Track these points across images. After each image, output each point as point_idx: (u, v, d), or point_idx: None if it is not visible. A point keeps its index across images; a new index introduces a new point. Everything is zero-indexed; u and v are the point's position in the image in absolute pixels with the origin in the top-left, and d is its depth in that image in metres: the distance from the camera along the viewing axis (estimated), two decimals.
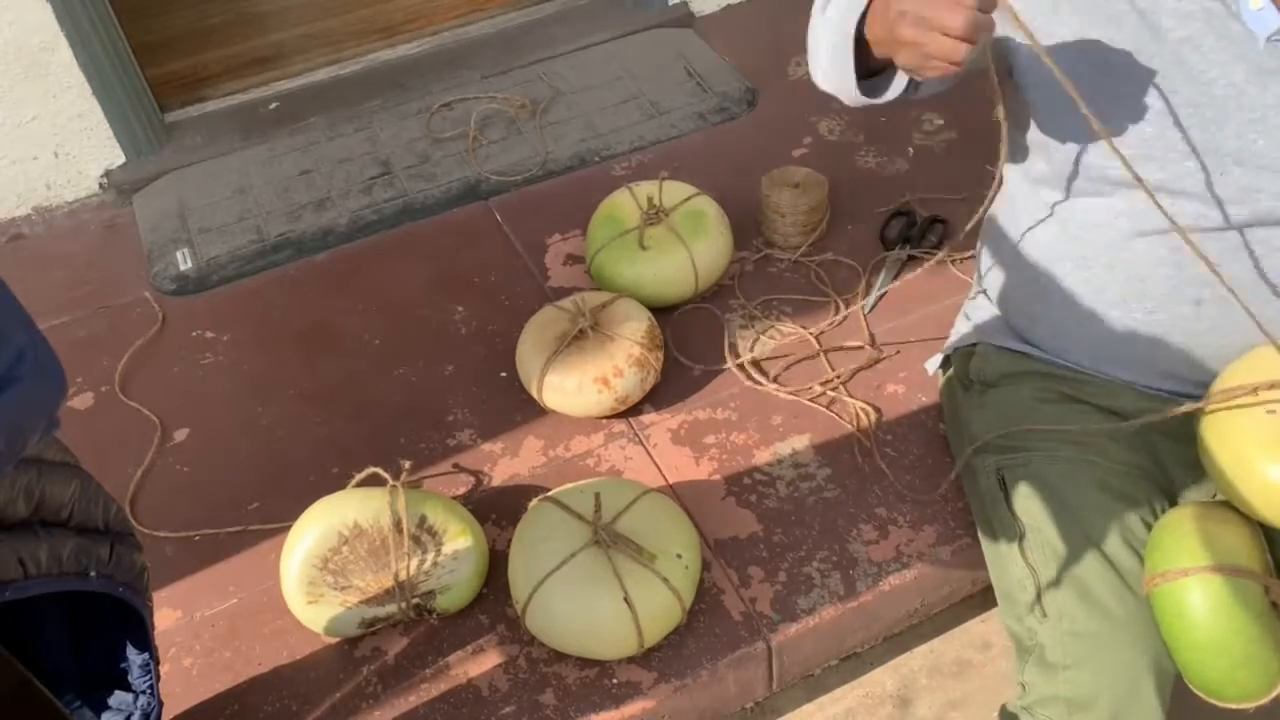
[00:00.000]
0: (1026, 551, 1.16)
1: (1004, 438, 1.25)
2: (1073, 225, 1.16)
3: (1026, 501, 1.18)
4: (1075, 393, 1.23)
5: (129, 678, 1.05)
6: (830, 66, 1.12)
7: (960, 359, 1.40)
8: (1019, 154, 1.20)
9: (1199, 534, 1.05)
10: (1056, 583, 1.12)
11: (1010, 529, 1.19)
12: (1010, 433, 1.24)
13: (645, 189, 1.76)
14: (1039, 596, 1.12)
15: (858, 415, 1.56)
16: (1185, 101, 1.02)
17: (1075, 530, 1.12)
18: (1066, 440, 1.18)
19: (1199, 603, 1.02)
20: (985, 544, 1.27)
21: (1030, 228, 1.22)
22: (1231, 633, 1.01)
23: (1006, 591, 1.20)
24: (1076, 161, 1.11)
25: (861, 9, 1.01)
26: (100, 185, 2.18)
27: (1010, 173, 1.25)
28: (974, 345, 1.36)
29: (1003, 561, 1.21)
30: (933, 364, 1.50)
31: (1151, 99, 1.03)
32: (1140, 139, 1.04)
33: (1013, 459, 1.22)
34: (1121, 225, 1.11)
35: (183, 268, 1.97)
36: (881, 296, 1.75)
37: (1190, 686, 1.07)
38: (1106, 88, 1.04)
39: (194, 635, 1.39)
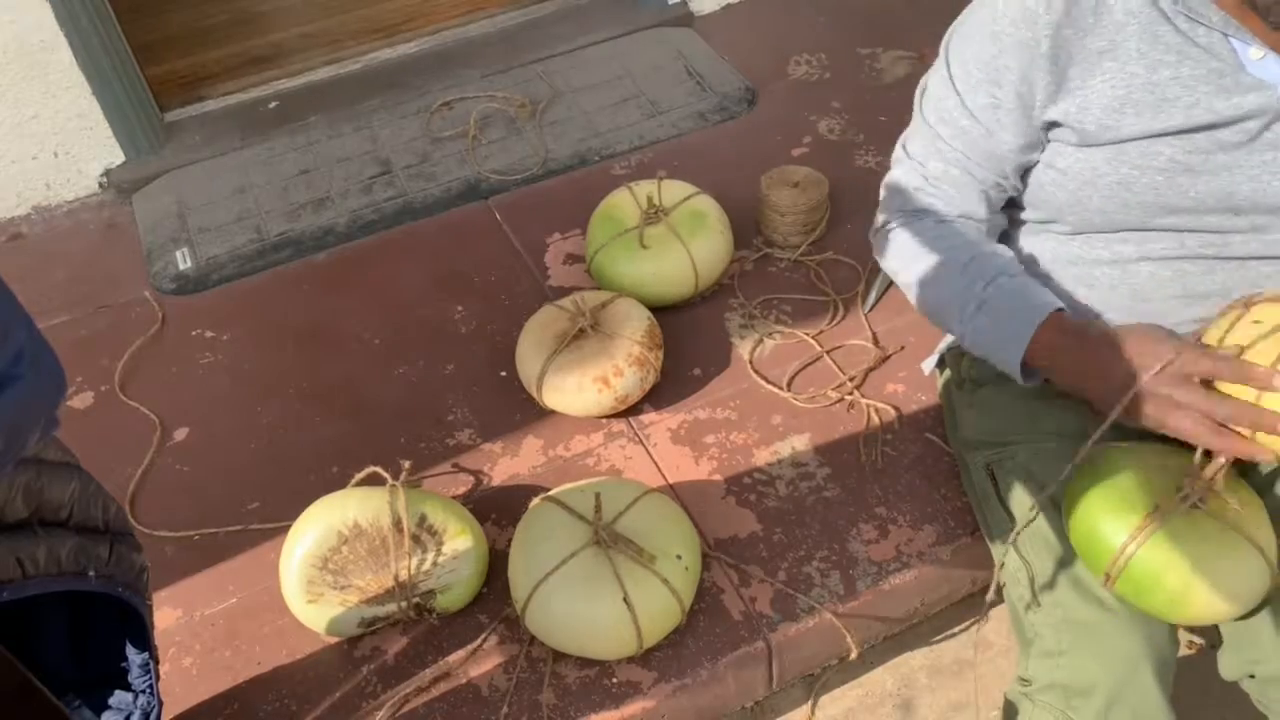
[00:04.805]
0: (1019, 543, 1.17)
1: (992, 433, 1.26)
2: (1075, 246, 1.16)
3: (1016, 494, 1.19)
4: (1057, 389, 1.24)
5: (129, 677, 1.05)
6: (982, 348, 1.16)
7: (953, 359, 1.41)
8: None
9: (1106, 517, 1.05)
10: (1049, 572, 1.13)
11: (1003, 522, 1.21)
12: (998, 428, 1.25)
13: (645, 188, 1.76)
14: (1033, 587, 1.13)
15: (869, 415, 1.56)
16: (1199, 149, 1.01)
17: (1062, 521, 1.13)
18: (1052, 432, 1.19)
19: (1154, 567, 1.01)
20: (986, 539, 1.28)
21: (1031, 245, 1.22)
22: (1202, 563, 1.01)
23: (1006, 584, 1.20)
24: (1092, 212, 1.11)
25: (1025, 343, 1.07)
26: (100, 185, 2.18)
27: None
28: None
29: (999, 555, 1.22)
30: (928, 364, 1.50)
31: (1167, 151, 1.02)
32: (1153, 188, 1.04)
33: (1000, 453, 1.24)
34: (1127, 250, 1.11)
35: (182, 267, 1.97)
36: (881, 295, 1.75)
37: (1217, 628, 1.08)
38: (1118, 151, 1.04)
39: (194, 635, 1.39)
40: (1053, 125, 1.08)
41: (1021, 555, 1.16)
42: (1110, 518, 1.04)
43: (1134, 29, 1.00)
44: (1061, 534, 1.13)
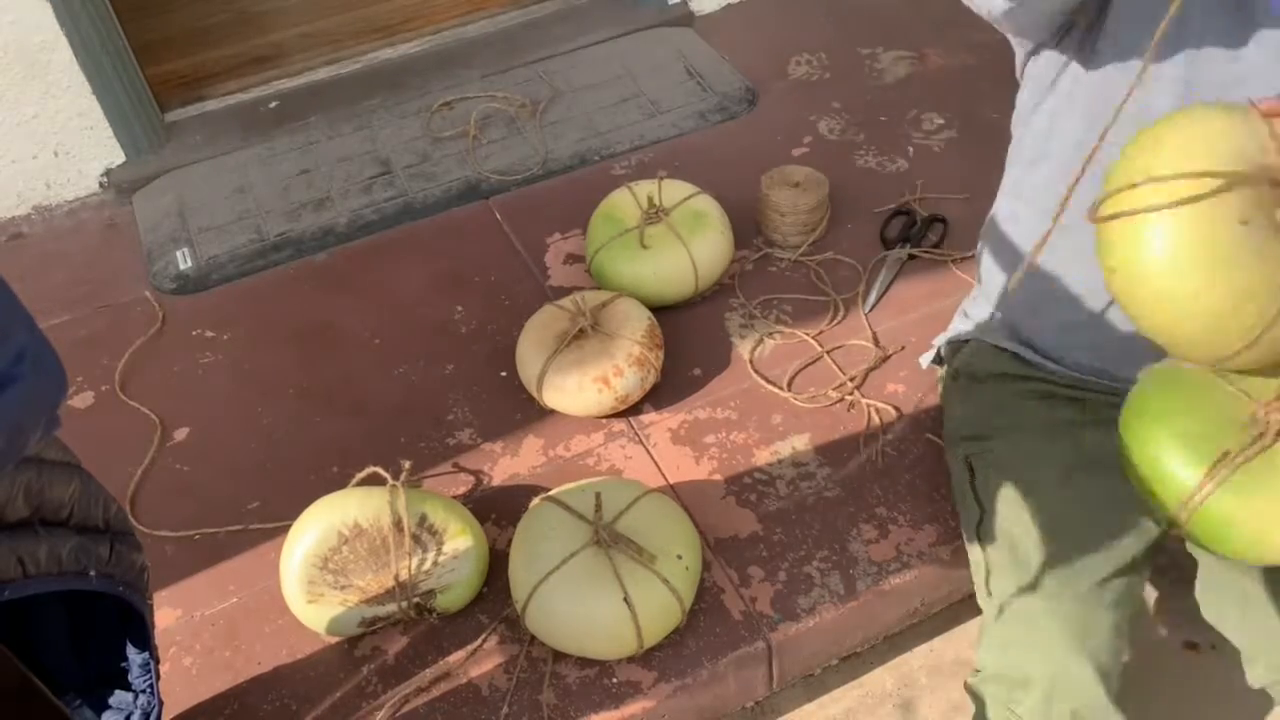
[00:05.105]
0: (983, 535, 1.18)
1: (975, 426, 1.27)
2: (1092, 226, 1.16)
3: (988, 487, 1.21)
4: (1059, 393, 1.24)
5: (129, 677, 1.05)
6: None
7: (950, 352, 1.41)
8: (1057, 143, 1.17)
9: (1176, 456, 0.92)
10: (1001, 565, 1.14)
11: (973, 514, 1.22)
12: (982, 421, 1.25)
13: (645, 188, 1.76)
14: (987, 579, 1.15)
15: (870, 415, 1.56)
16: (1209, 92, 1.01)
17: (1024, 513, 1.14)
18: (1034, 429, 1.19)
19: (1228, 512, 0.90)
20: (963, 531, 1.29)
21: (1037, 219, 1.22)
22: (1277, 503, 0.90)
23: (972, 574, 1.22)
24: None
25: None
26: (100, 184, 2.18)
27: (1021, 169, 1.25)
28: (967, 340, 1.37)
29: (968, 546, 1.24)
30: (925, 359, 1.50)
31: (1177, 88, 1.02)
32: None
33: (980, 446, 1.25)
34: None
35: (182, 267, 1.97)
36: (881, 295, 1.75)
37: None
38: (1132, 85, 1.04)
39: (194, 634, 1.39)
40: None
41: (982, 547, 1.18)
42: (1181, 456, 0.92)
43: None
44: (1014, 523, 1.13)
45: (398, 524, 1.27)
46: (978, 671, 1.14)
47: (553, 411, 1.59)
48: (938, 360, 1.48)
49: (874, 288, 1.76)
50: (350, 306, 1.85)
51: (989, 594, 1.15)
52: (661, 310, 1.70)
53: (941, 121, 2.12)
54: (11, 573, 0.82)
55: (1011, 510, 1.16)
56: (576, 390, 1.52)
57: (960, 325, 1.41)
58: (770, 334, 1.70)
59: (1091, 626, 1.06)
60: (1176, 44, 1.02)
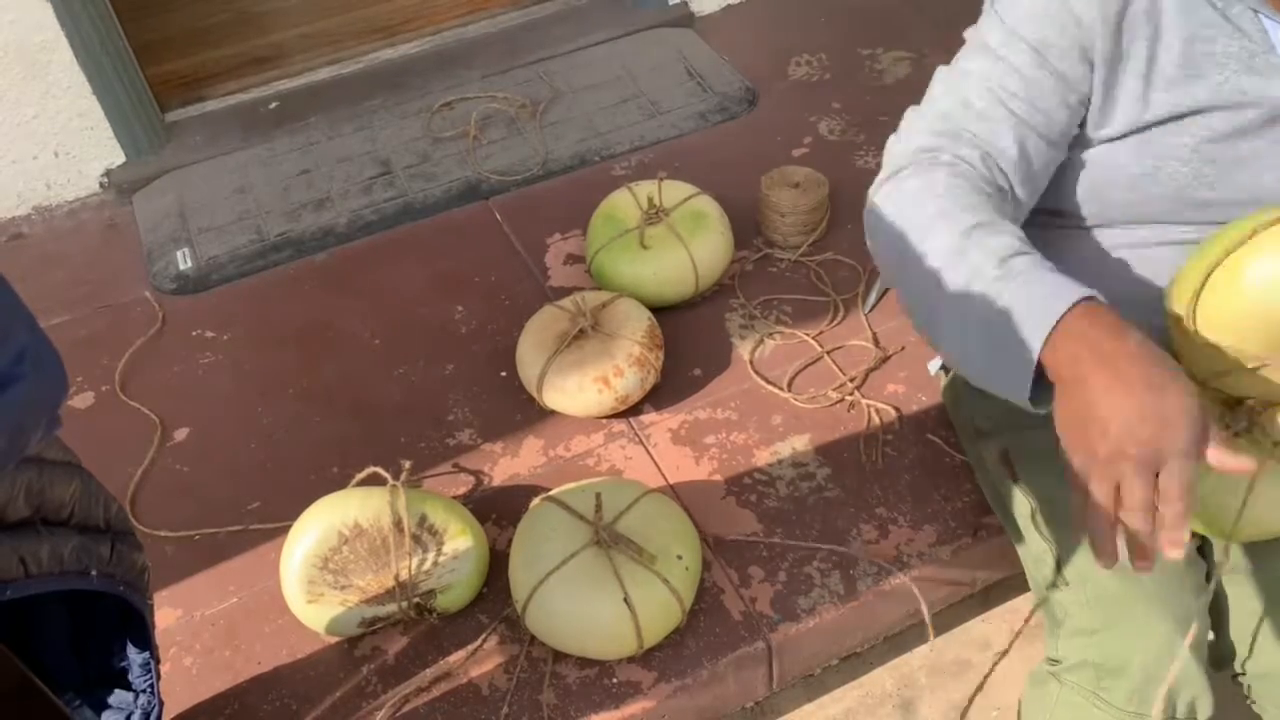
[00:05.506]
0: (1040, 524, 1.16)
1: (1007, 420, 1.25)
2: (1089, 237, 1.15)
3: (1034, 475, 1.18)
4: None
5: (129, 677, 1.05)
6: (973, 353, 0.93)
7: None
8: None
9: None
10: (1074, 549, 1.11)
11: (1023, 505, 1.20)
12: (1012, 414, 1.24)
13: (645, 188, 1.76)
14: (1059, 566, 1.12)
15: (870, 415, 1.56)
16: (1219, 135, 0.99)
17: None
18: None
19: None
20: (1006, 527, 1.27)
21: (1038, 236, 1.21)
22: (1238, 486, 0.98)
23: (1030, 568, 1.19)
24: (1112, 206, 1.08)
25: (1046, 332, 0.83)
26: (100, 185, 2.18)
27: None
28: None
29: (1021, 539, 1.21)
30: (934, 365, 1.50)
31: (1189, 141, 1.00)
32: (1174, 179, 1.02)
33: (1015, 437, 1.23)
34: (1144, 234, 1.10)
35: (183, 267, 1.97)
36: (882, 296, 1.75)
37: None
38: (1141, 141, 1.03)
39: (194, 634, 1.39)
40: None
41: (1043, 535, 1.15)
42: None
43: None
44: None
45: (398, 524, 1.27)
46: (1054, 662, 1.10)
47: (553, 412, 1.59)
48: (945, 367, 1.48)
49: (874, 288, 1.76)
50: (350, 306, 1.85)
51: (1065, 581, 1.11)
52: (661, 310, 1.70)
53: None
54: (13, 572, 0.82)
55: (1068, 494, 1.14)
56: (576, 390, 1.52)
57: None
58: (770, 334, 1.70)
59: (1185, 610, 1.04)
60: (1189, 81, 0.98)
